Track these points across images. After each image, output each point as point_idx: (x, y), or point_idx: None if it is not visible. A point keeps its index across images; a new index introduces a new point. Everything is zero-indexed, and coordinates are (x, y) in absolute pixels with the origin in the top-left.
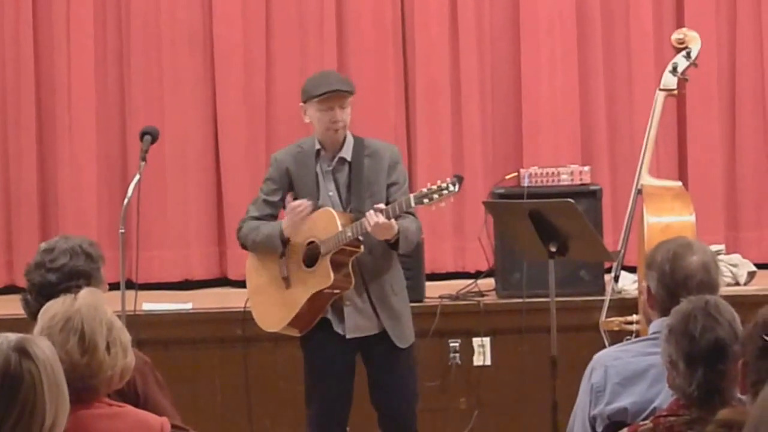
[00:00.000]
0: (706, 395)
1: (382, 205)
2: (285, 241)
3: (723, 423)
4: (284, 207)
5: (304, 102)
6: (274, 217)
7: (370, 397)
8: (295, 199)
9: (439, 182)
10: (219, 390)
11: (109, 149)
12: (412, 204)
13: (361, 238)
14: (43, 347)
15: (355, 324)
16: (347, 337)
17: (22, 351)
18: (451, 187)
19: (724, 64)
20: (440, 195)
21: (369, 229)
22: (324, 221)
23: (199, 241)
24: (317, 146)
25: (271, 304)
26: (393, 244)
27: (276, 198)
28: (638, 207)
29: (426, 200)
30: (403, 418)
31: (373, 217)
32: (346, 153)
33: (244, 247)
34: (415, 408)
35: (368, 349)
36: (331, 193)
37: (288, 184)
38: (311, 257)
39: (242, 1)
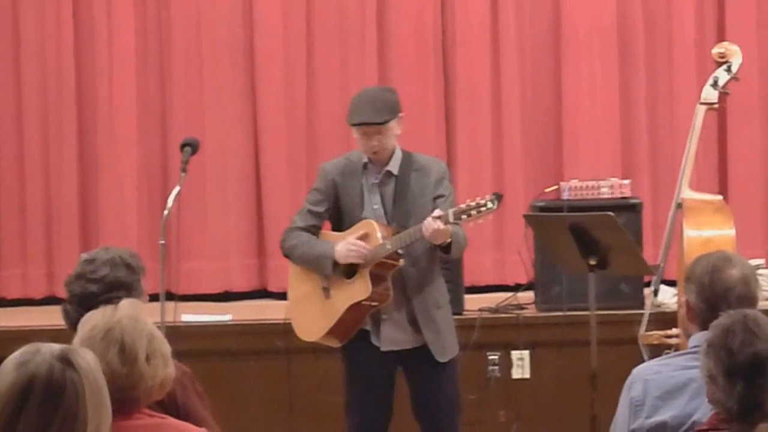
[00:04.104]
0: (746, 409)
1: (439, 212)
2: (334, 265)
3: None
4: (330, 219)
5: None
6: (318, 228)
7: (413, 410)
8: (340, 213)
9: (478, 199)
10: (258, 402)
11: (150, 161)
12: (450, 220)
13: (401, 251)
14: (86, 357)
15: (391, 337)
16: (382, 349)
17: (66, 361)
18: (490, 205)
19: (765, 77)
20: (479, 212)
21: (426, 235)
22: (365, 233)
23: (239, 252)
24: (364, 159)
25: (311, 313)
26: (445, 249)
27: (321, 209)
28: (678, 220)
29: (464, 216)
30: (444, 431)
31: (432, 224)
32: (393, 167)
33: (288, 257)
34: (458, 422)
35: (409, 362)
36: (376, 206)
37: (334, 196)
38: (351, 268)
39: (283, 13)
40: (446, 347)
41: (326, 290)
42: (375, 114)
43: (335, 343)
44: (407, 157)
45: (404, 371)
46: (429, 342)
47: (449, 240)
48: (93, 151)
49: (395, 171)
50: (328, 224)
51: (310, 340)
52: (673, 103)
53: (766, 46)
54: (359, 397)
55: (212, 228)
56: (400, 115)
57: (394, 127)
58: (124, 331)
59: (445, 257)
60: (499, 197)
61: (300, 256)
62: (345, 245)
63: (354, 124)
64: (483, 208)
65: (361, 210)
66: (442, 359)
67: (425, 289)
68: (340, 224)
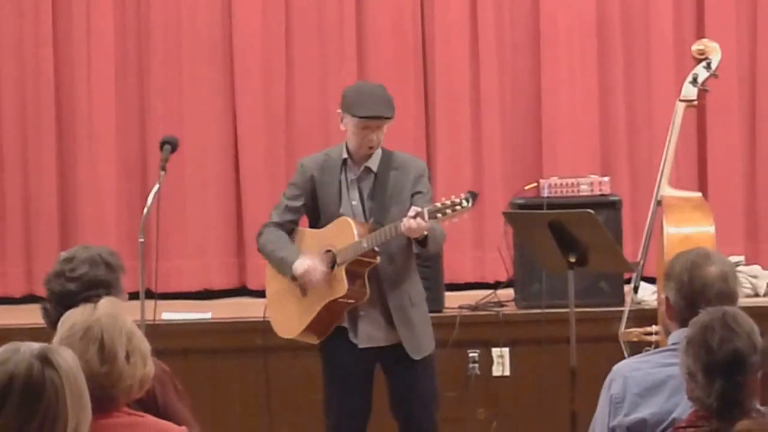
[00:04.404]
0: (725, 406)
1: (416, 209)
2: (293, 278)
3: None
4: (307, 214)
5: (344, 111)
6: (295, 222)
7: (390, 407)
8: (318, 208)
9: (453, 198)
10: (238, 400)
11: (129, 159)
12: (426, 218)
13: (377, 249)
14: (65, 356)
15: (368, 334)
16: (360, 346)
17: (45, 360)
18: (465, 203)
19: (745, 74)
20: (453, 211)
21: (403, 230)
22: (341, 230)
23: (218, 250)
24: (344, 155)
25: (288, 311)
26: (422, 243)
27: (298, 203)
28: (658, 218)
29: (439, 215)
30: (422, 428)
31: (408, 222)
32: (373, 163)
33: (259, 251)
34: (435, 418)
35: (386, 359)
36: (354, 203)
37: (311, 191)
38: (329, 265)
39: (262, 11)
40: (421, 345)
41: (303, 288)
42: (387, 108)
43: (313, 340)
44: (387, 155)
45: (382, 368)
46: (403, 339)
47: (425, 233)
48: (72, 148)
49: (374, 167)
50: (305, 219)
51: (287, 337)
52: (652, 100)
53: (745, 43)
54: (337, 395)
55: (191, 226)
56: None
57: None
58: (103, 330)
59: (422, 252)
60: (474, 196)
61: (267, 254)
62: (305, 269)
63: (364, 117)
64: (458, 207)
65: (338, 206)
66: (416, 356)
67: (401, 287)
68: (317, 220)
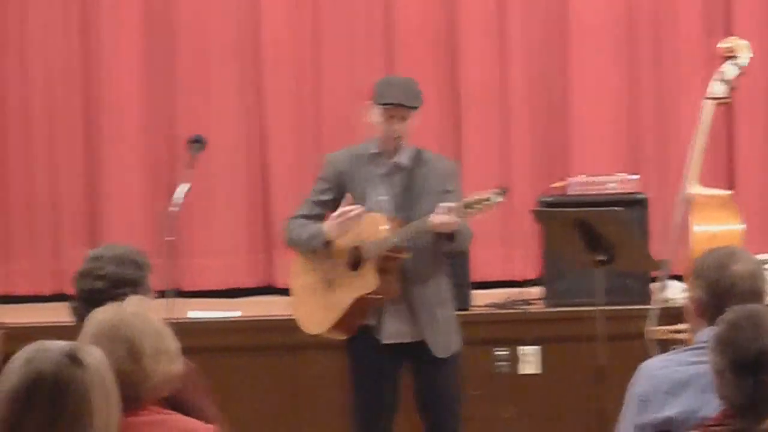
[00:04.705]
0: (753, 404)
1: (448, 204)
2: (326, 243)
3: None
4: (334, 209)
5: (373, 102)
6: (322, 217)
7: (415, 405)
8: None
9: (483, 192)
10: (265, 398)
11: (157, 157)
12: (456, 213)
13: (407, 245)
14: (94, 354)
15: (393, 330)
16: (383, 342)
17: (73, 358)
18: (494, 198)
19: None
20: (483, 205)
21: (432, 224)
22: (371, 226)
23: (245, 248)
24: (373, 149)
25: (315, 306)
26: (449, 239)
27: (326, 197)
28: (685, 216)
29: (469, 210)
30: (446, 427)
31: (440, 216)
32: (403, 159)
33: (287, 243)
34: (459, 416)
35: (412, 358)
36: (382, 198)
37: (340, 186)
38: (357, 261)
39: (289, 8)
40: (445, 344)
41: (330, 283)
42: (408, 97)
43: (340, 336)
44: (418, 153)
45: (408, 366)
46: (427, 337)
47: (455, 228)
48: (99, 147)
49: (404, 163)
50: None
51: (314, 333)
52: (680, 98)
53: None
54: (364, 391)
55: (219, 224)
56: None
57: (415, 117)
58: (130, 328)
59: (449, 248)
60: (504, 191)
61: (294, 238)
62: (334, 217)
63: (385, 104)
64: (487, 202)
65: (364, 201)
66: (440, 355)
67: (427, 284)
68: None
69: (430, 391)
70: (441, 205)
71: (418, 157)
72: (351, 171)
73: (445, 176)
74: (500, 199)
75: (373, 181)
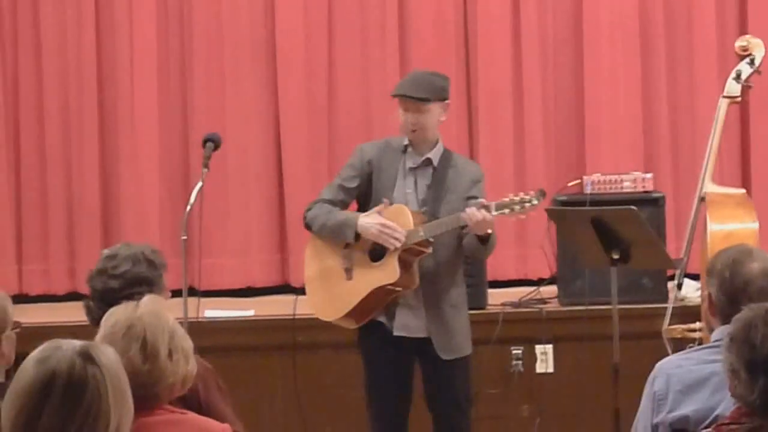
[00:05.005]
0: (767, 403)
1: (485, 201)
2: (357, 235)
3: None
4: (357, 198)
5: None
6: (346, 204)
7: (425, 403)
8: (370, 194)
9: (522, 194)
10: (280, 397)
11: (172, 156)
12: (493, 212)
13: (431, 239)
14: (107, 353)
15: (404, 322)
16: (394, 334)
17: (87, 356)
18: (534, 201)
19: None
20: (522, 207)
21: (471, 223)
22: (398, 217)
23: (261, 247)
24: (405, 143)
25: (330, 293)
26: (482, 241)
27: (352, 185)
28: (701, 214)
29: (507, 210)
30: (452, 428)
31: (477, 214)
32: (434, 156)
33: (308, 227)
34: (468, 415)
35: (422, 354)
36: (408, 191)
37: (367, 175)
38: (377, 252)
39: (304, 8)
40: (449, 346)
41: (348, 271)
42: (414, 89)
43: (351, 325)
44: (447, 153)
45: (419, 363)
46: (433, 336)
47: (490, 231)
48: (114, 147)
49: (435, 161)
50: (353, 207)
51: (327, 319)
52: (695, 96)
53: None
54: (377, 385)
55: (234, 223)
56: (446, 102)
57: (436, 111)
58: (145, 328)
59: (478, 251)
60: (543, 194)
61: (322, 224)
62: (376, 222)
63: (393, 95)
64: (527, 204)
65: (390, 193)
66: (445, 356)
67: (443, 283)
68: (365, 206)
69: (434, 390)
70: (475, 201)
71: (447, 158)
72: (379, 161)
73: (471, 181)
74: (539, 202)
75: (401, 174)
